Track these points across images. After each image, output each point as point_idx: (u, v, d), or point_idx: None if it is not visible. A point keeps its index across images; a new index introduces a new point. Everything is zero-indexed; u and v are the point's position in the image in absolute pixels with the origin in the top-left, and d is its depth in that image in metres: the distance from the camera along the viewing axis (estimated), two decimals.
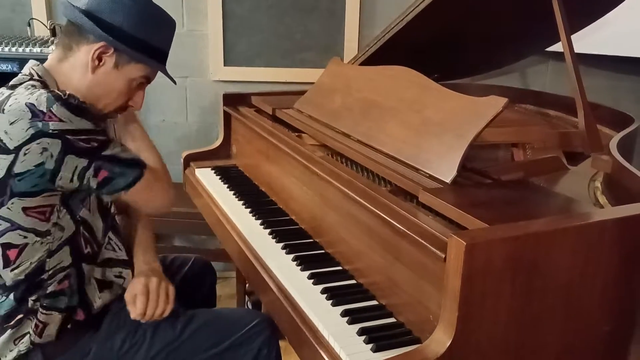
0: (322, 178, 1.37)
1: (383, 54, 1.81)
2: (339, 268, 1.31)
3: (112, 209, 1.33)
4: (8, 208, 1.11)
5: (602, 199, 1.17)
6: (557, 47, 1.57)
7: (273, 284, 1.28)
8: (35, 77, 1.19)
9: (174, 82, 1.35)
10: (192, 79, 2.69)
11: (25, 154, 1.07)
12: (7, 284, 1.16)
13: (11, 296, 1.17)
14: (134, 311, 1.25)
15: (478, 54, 2.00)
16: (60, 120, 1.08)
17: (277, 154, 1.67)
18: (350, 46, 2.66)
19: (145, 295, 1.25)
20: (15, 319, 1.18)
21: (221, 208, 1.70)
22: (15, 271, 1.15)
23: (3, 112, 1.09)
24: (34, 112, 1.07)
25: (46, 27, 2.46)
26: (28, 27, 2.48)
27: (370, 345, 1.02)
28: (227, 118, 2.05)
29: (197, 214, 1.96)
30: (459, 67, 2.08)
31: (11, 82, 1.20)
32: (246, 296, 2.33)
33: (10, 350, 1.18)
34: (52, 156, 1.08)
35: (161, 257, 1.43)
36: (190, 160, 2.05)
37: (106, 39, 1.18)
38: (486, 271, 0.87)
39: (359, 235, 1.24)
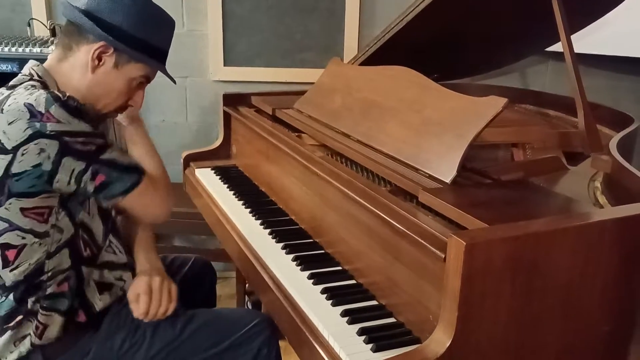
0: (322, 178, 1.37)
1: (383, 54, 1.81)
2: (339, 268, 1.31)
3: (113, 212, 1.33)
4: (6, 208, 1.11)
5: (602, 199, 1.17)
6: (557, 47, 1.57)
7: (273, 284, 1.28)
8: (35, 77, 1.19)
9: (174, 82, 1.35)
10: (192, 79, 2.69)
11: (23, 154, 1.07)
12: (7, 284, 1.16)
13: (11, 296, 1.17)
14: (137, 310, 1.25)
15: (478, 54, 2.00)
16: (58, 122, 1.08)
17: (277, 154, 1.67)
18: (350, 46, 2.66)
19: (148, 294, 1.25)
20: (16, 320, 1.18)
21: (221, 208, 1.70)
22: (15, 272, 1.15)
23: (2, 112, 1.09)
24: (33, 113, 1.07)
25: (46, 27, 2.46)
26: (28, 27, 2.48)
27: (370, 345, 1.02)
28: (227, 118, 2.06)
29: (197, 214, 1.96)
30: (459, 67, 2.09)
31: (11, 82, 1.20)
32: (246, 296, 2.33)
33: (11, 352, 1.18)
34: (49, 157, 1.08)
35: (161, 257, 1.42)
36: (190, 160, 2.05)
37: (106, 39, 1.18)
38: (486, 271, 0.87)
39: (358, 235, 1.24)
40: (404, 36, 1.75)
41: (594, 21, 1.90)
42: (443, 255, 0.92)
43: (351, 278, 1.27)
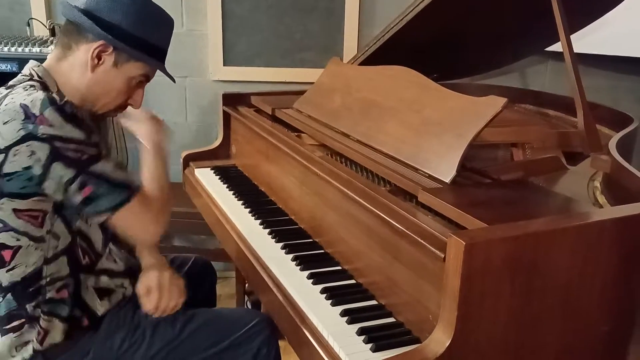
0: (322, 178, 1.37)
1: (382, 54, 1.81)
2: (339, 268, 1.31)
3: None
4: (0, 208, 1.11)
5: (602, 199, 1.17)
6: (557, 47, 1.57)
7: (272, 284, 1.28)
8: (35, 77, 1.19)
9: (174, 81, 1.35)
10: (192, 79, 2.69)
11: (14, 155, 1.07)
12: (3, 284, 1.16)
13: (9, 297, 1.17)
14: (148, 304, 1.26)
15: (477, 53, 2.00)
16: (51, 125, 1.06)
17: (276, 154, 1.67)
18: (350, 46, 2.66)
19: (159, 289, 1.26)
20: (16, 323, 1.17)
21: (220, 208, 1.70)
22: (11, 272, 1.15)
23: None
24: (27, 114, 1.06)
25: (45, 26, 2.46)
26: (27, 27, 2.48)
27: (369, 345, 1.02)
28: (227, 118, 2.06)
29: (197, 214, 1.96)
30: (459, 67, 2.09)
31: (10, 82, 1.20)
32: (246, 296, 2.33)
33: (13, 356, 1.18)
34: (39, 161, 1.07)
35: None
36: (190, 160, 2.05)
37: (105, 38, 1.18)
38: (485, 271, 0.87)
39: (358, 235, 1.24)
40: (403, 36, 1.75)
41: (593, 21, 1.90)
42: (443, 255, 0.92)
43: (351, 278, 1.27)
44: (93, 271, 1.24)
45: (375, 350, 1.01)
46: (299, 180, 1.53)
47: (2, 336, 1.18)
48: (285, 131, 1.70)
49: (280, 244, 1.42)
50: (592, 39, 2.10)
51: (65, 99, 1.11)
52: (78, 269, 1.21)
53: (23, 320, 1.18)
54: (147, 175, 1.27)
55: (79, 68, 1.21)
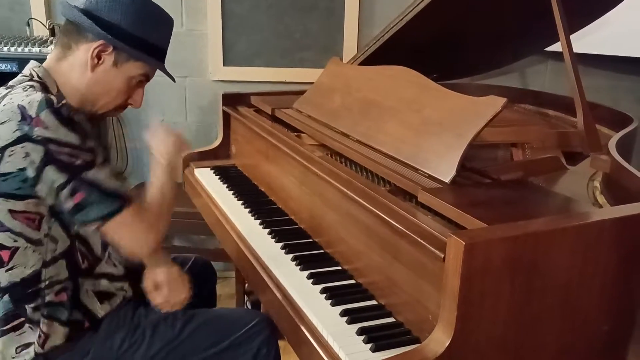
0: (321, 178, 1.37)
1: (382, 54, 1.81)
2: (338, 268, 1.31)
3: None
4: None
5: (601, 199, 1.17)
6: (556, 47, 1.57)
7: (272, 284, 1.28)
8: (36, 78, 1.19)
9: (173, 80, 1.35)
10: (192, 79, 2.69)
11: (9, 156, 1.07)
12: (2, 285, 1.16)
13: (6, 297, 1.17)
14: (158, 299, 1.27)
15: (477, 53, 2.00)
16: (46, 128, 1.06)
17: (276, 154, 1.67)
18: (350, 46, 2.66)
19: (168, 284, 1.28)
20: (16, 323, 1.18)
21: (220, 208, 1.70)
22: (10, 272, 1.15)
23: None
24: (24, 115, 1.06)
25: (45, 26, 2.46)
26: (27, 27, 2.48)
27: (369, 345, 1.02)
28: (227, 118, 2.06)
29: (197, 214, 1.95)
30: (458, 67, 2.09)
31: (10, 82, 1.20)
32: (245, 296, 2.33)
33: (13, 358, 1.18)
34: (33, 163, 1.07)
35: None
36: (190, 160, 2.04)
37: (105, 37, 1.18)
38: (485, 271, 0.87)
39: (358, 235, 1.24)
40: (403, 36, 1.75)
41: (593, 21, 1.90)
42: (442, 255, 0.92)
43: (350, 278, 1.27)
44: (92, 275, 1.24)
45: (375, 350, 1.01)
46: (298, 180, 1.53)
47: (2, 336, 1.18)
48: (285, 131, 1.70)
49: (280, 244, 1.42)
50: (592, 38, 2.11)
51: (62, 102, 1.10)
52: (77, 273, 1.21)
53: (23, 319, 1.18)
54: (153, 189, 1.26)
55: (79, 68, 1.21)
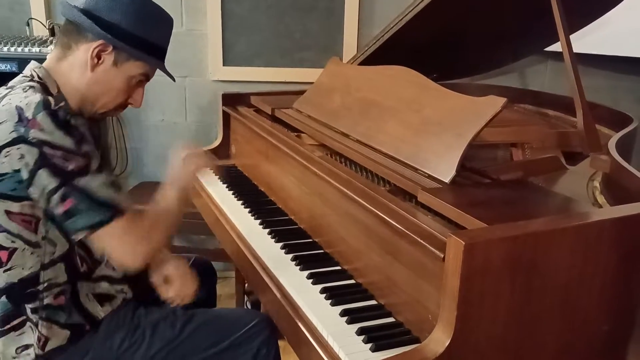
0: (321, 178, 1.37)
1: (382, 54, 1.81)
2: (338, 268, 1.31)
3: None
4: None
5: (601, 199, 1.17)
6: (556, 46, 1.57)
7: (272, 284, 1.28)
8: (36, 78, 1.19)
9: (173, 80, 1.35)
10: (191, 79, 2.69)
11: (5, 156, 1.07)
12: (1, 285, 1.16)
13: (4, 298, 1.17)
14: (171, 292, 1.30)
15: (477, 53, 2.00)
16: (41, 130, 1.05)
17: (276, 154, 1.67)
18: (350, 46, 2.66)
19: (180, 277, 1.30)
20: (15, 323, 1.17)
21: (220, 208, 1.70)
22: (9, 273, 1.15)
23: None
24: (20, 117, 1.06)
25: (45, 26, 2.46)
26: (27, 27, 2.48)
27: (369, 345, 1.02)
28: (226, 118, 2.06)
29: (197, 214, 1.95)
30: (458, 67, 2.09)
31: (10, 83, 1.20)
32: (245, 296, 2.33)
33: (13, 358, 1.18)
34: (27, 165, 1.06)
35: None
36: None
37: (104, 37, 1.18)
38: (485, 271, 0.87)
39: (357, 235, 1.24)
40: (403, 36, 1.75)
41: (593, 21, 1.90)
42: (442, 255, 0.92)
43: (350, 278, 1.27)
44: (91, 278, 1.24)
45: (374, 350, 1.01)
46: (298, 180, 1.53)
47: (2, 336, 1.18)
48: (285, 131, 1.70)
49: (280, 244, 1.42)
50: (592, 38, 2.11)
51: (60, 104, 1.09)
52: (76, 277, 1.21)
53: (23, 318, 1.18)
54: (157, 207, 1.24)
55: (79, 68, 1.21)
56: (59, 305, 1.19)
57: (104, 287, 1.26)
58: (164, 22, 1.28)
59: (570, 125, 1.70)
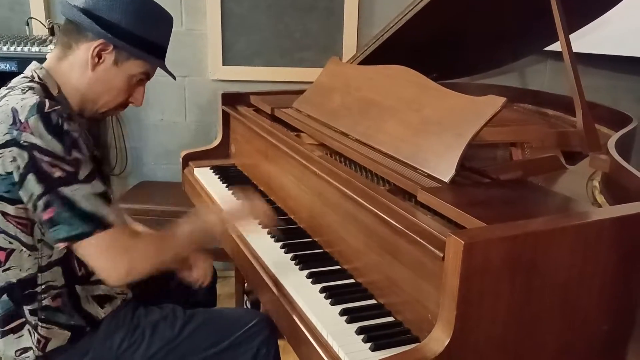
0: (321, 177, 1.37)
1: (382, 53, 1.81)
2: (338, 267, 1.31)
3: None
4: None
5: (600, 198, 1.17)
6: (556, 46, 1.57)
7: (272, 283, 1.28)
8: (36, 79, 1.19)
9: (174, 78, 1.35)
10: (191, 78, 2.69)
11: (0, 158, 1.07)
12: (0, 284, 1.16)
13: (5, 297, 1.17)
14: (193, 274, 1.38)
15: (476, 53, 2.00)
16: (32, 133, 1.05)
17: (275, 154, 1.67)
18: (349, 45, 2.66)
19: (198, 259, 1.39)
20: (14, 325, 1.17)
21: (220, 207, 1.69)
22: (7, 273, 1.15)
23: None
24: (14, 119, 1.06)
25: (45, 26, 2.46)
26: (26, 27, 2.48)
27: (368, 344, 1.02)
28: (226, 117, 2.06)
29: None
30: (458, 67, 2.09)
31: (11, 83, 1.20)
32: (245, 295, 2.33)
33: (14, 359, 1.18)
34: (18, 169, 1.06)
35: None
36: (189, 159, 2.05)
37: (105, 36, 1.18)
38: (484, 270, 0.87)
39: (357, 235, 1.24)
40: (402, 35, 1.75)
41: (592, 20, 1.90)
42: (442, 255, 0.92)
43: (350, 277, 1.27)
44: (89, 282, 1.24)
45: (374, 349, 1.01)
46: (298, 180, 1.53)
47: (2, 337, 1.18)
48: (285, 131, 1.70)
49: (280, 244, 1.42)
50: (592, 38, 2.11)
51: (55, 107, 1.08)
52: (73, 280, 1.21)
53: (22, 320, 1.18)
54: (181, 230, 1.22)
55: (79, 67, 1.21)
56: (58, 307, 1.19)
57: (103, 288, 1.26)
58: (164, 21, 1.29)
59: (570, 125, 1.70)
